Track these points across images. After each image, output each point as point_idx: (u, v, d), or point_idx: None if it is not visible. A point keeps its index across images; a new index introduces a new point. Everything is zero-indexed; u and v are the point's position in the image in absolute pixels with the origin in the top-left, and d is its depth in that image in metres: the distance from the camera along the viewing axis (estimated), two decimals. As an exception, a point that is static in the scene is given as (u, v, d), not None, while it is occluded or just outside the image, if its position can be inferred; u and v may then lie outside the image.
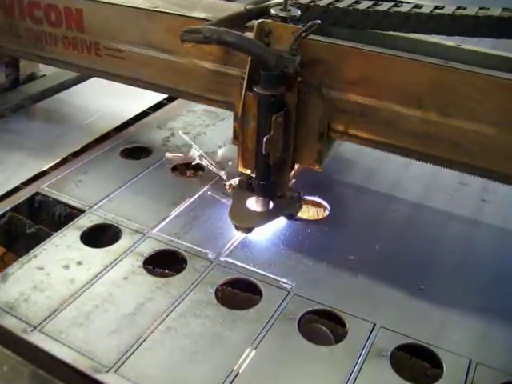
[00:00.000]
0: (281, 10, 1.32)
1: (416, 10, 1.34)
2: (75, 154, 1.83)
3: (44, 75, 2.36)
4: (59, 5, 1.74)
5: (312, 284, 1.36)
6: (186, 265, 1.39)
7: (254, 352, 1.18)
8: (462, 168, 1.35)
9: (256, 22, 1.32)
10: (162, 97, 2.23)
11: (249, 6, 1.45)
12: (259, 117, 1.35)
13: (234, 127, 1.47)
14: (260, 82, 1.31)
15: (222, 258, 1.41)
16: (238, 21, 1.41)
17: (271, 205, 1.47)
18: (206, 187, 1.68)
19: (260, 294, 1.33)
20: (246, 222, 1.44)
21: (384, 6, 1.38)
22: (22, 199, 1.61)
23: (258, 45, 1.28)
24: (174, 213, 1.57)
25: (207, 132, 2.02)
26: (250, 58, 1.33)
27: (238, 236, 1.49)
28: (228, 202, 1.58)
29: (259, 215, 1.46)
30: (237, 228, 1.45)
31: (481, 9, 1.32)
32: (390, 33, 1.40)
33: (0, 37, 1.96)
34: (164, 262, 1.41)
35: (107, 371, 1.12)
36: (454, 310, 1.31)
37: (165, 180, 1.72)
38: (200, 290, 1.32)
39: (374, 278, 1.39)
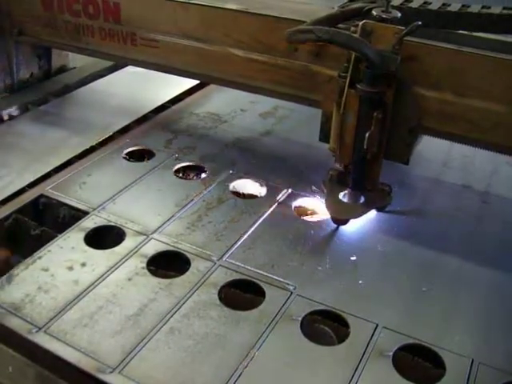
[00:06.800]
0: (382, 11, 1.37)
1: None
2: (79, 157, 1.85)
3: (74, 67, 2.48)
4: None
5: (315, 285, 1.36)
6: (190, 266, 1.40)
7: (257, 352, 1.18)
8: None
9: (360, 23, 1.37)
10: (164, 100, 2.26)
11: (342, 8, 1.52)
12: (360, 113, 1.39)
13: (321, 125, 1.52)
14: (363, 79, 1.36)
15: (225, 260, 1.42)
16: (332, 21, 1.47)
17: (363, 198, 1.52)
18: (209, 189, 1.69)
19: (263, 294, 1.33)
20: (343, 214, 1.50)
21: (474, 9, 1.46)
22: (27, 201, 1.62)
23: (366, 44, 1.33)
24: (178, 214, 1.58)
25: (210, 134, 2.03)
26: (353, 57, 1.37)
27: (240, 238, 1.50)
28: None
29: (354, 208, 1.51)
30: (334, 220, 1.51)
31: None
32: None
33: (38, 29, 2.04)
34: (167, 264, 1.42)
35: (111, 372, 1.12)
36: (455, 311, 1.32)
37: (168, 182, 1.73)
38: (203, 290, 1.33)
39: (376, 279, 1.40)
